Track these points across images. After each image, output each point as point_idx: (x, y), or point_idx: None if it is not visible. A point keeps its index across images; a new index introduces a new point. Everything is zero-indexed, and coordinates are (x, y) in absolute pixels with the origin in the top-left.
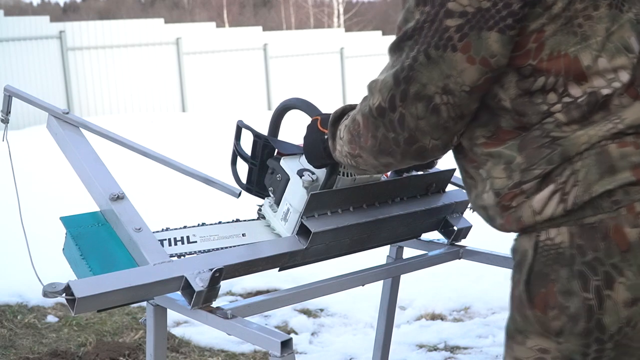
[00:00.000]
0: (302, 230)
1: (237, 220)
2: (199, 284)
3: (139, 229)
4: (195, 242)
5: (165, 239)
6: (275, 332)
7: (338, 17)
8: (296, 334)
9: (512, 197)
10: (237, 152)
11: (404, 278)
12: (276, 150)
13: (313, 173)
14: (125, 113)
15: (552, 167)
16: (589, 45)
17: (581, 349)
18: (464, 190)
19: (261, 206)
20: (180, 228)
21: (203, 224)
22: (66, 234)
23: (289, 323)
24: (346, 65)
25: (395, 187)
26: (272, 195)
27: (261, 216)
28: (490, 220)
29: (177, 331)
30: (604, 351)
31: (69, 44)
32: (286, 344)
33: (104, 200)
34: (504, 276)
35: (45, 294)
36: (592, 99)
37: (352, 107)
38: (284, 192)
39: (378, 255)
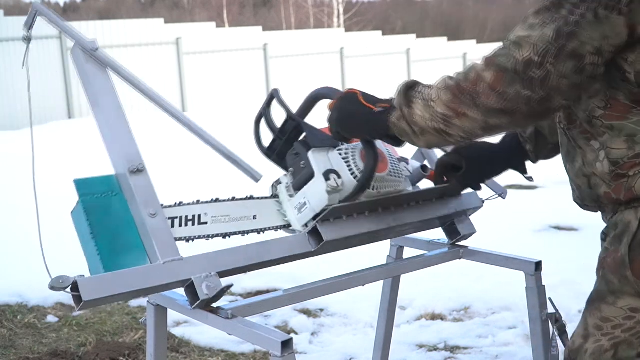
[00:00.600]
0: (315, 233)
1: (251, 198)
2: (205, 291)
3: (154, 214)
4: (206, 223)
5: (177, 217)
6: (276, 332)
7: (338, 17)
8: (296, 334)
9: (631, 166)
10: (266, 118)
11: (404, 278)
12: (304, 134)
13: (339, 177)
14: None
15: None
16: None
17: None
18: (477, 192)
19: (277, 183)
20: (193, 203)
21: (217, 200)
22: (78, 199)
23: (289, 323)
24: (346, 65)
25: (414, 194)
26: (291, 175)
27: (275, 194)
28: (591, 187)
29: (177, 331)
30: None
31: (69, 44)
32: (286, 344)
33: (122, 168)
34: (504, 276)
35: (53, 288)
36: None
37: (416, 82)
38: (305, 184)
39: (378, 255)
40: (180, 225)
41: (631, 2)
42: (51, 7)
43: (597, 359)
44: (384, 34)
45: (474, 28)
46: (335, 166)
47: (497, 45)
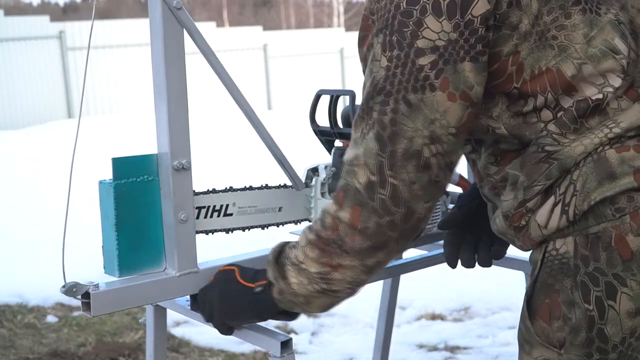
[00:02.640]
0: None
1: (285, 186)
2: None
3: (185, 220)
4: (231, 214)
5: (204, 207)
6: (275, 333)
7: (338, 17)
8: (296, 334)
9: (519, 216)
10: (331, 108)
11: (404, 278)
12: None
13: None
14: (125, 113)
15: (552, 182)
16: (569, 55)
17: (583, 359)
18: None
19: (314, 171)
20: (225, 191)
21: (250, 188)
22: (112, 180)
23: (288, 323)
24: (346, 65)
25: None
26: (331, 174)
27: (307, 182)
28: (513, 242)
29: (177, 331)
30: None
31: (69, 44)
32: (286, 344)
33: (166, 157)
34: (505, 276)
35: (66, 293)
36: (583, 105)
37: (284, 244)
38: None
39: None
40: (205, 217)
41: (441, 72)
42: (51, 7)
43: None
44: None
45: None
46: None
47: None
